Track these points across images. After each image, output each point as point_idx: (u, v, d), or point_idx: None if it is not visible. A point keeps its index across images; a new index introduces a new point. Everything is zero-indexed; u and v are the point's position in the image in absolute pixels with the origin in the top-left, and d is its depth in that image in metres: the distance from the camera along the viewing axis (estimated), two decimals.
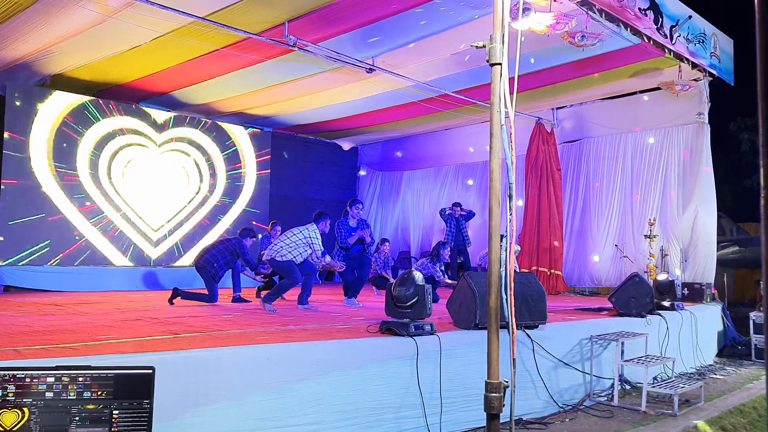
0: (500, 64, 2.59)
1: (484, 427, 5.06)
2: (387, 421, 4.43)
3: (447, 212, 11.93)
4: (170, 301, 7.60)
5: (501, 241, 3.73)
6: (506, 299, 3.37)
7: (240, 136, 13.04)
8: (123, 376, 1.95)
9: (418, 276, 4.90)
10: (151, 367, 2.02)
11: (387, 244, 10.79)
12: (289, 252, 7.27)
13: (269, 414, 3.87)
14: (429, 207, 14.44)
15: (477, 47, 2.75)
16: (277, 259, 7.23)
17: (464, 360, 4.95)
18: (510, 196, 2.87)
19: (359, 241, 8.12)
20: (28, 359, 3.36)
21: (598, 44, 8.07)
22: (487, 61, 2.62)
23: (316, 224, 7.52)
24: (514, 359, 3.45)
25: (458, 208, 11.79)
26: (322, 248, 7.47)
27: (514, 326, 3.43)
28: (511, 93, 2.89)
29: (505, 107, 2.67)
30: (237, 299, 8.22)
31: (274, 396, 3.89)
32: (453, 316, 5.51)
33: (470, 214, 11.90)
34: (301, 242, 7.31)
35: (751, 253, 15.92)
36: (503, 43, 2.61)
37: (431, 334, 4.82)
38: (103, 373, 1.93)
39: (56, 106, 10.70)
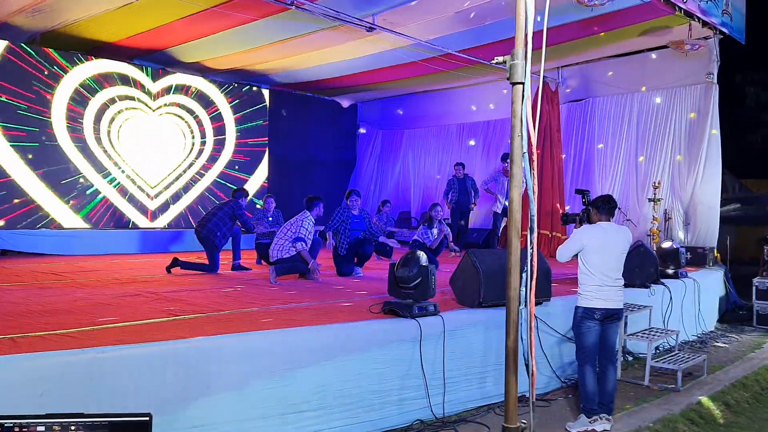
0: (522, 83, 2.35)
1: (486, 405, 5.07)
2: (390, 404, 4.41)
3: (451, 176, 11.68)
4: (168, 269, 7.51)
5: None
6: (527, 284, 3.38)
7: (220, 95, 12.70)
8: (119, 424, 1.84)
9: (422, 256, 4.80)
10: (148, 414, 1.92)
11: (388, 205, 10.71)
12: (293, 246, 7.20)
13: (273, 402, 3.82)
14: (430, 166, 14.19)
15: (497, 63, 2.51)
16: (285, 257, 7.14)
17: (467, 340, 4.91)
18: (531, 229, 2.72)
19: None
20: (24, 353, 3.29)
21: (608, 4, 7.78)
22: (508, 79, 2.38)
23: (310, 212, 7.41)
24: (532, 343, 3.44)
25: (461, 168, 11.55)
26: (308, 239, 7.33)
27: (533, 309, 3.48)
28: (536, 48, 2.65)
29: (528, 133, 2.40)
30: (237, 267, 8.14)
31: (277, 384, 3.84)
32: (456, 293, 5.44)
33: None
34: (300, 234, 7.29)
35: (753, 211, 15.80)
36: (526, 60, 2.34)
37: (435, 314, 4.76)
38: (98, 421, 1.82)
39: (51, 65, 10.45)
